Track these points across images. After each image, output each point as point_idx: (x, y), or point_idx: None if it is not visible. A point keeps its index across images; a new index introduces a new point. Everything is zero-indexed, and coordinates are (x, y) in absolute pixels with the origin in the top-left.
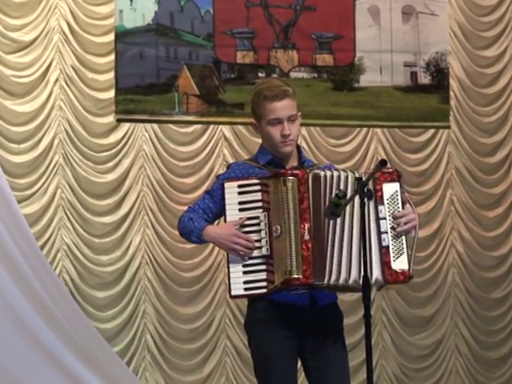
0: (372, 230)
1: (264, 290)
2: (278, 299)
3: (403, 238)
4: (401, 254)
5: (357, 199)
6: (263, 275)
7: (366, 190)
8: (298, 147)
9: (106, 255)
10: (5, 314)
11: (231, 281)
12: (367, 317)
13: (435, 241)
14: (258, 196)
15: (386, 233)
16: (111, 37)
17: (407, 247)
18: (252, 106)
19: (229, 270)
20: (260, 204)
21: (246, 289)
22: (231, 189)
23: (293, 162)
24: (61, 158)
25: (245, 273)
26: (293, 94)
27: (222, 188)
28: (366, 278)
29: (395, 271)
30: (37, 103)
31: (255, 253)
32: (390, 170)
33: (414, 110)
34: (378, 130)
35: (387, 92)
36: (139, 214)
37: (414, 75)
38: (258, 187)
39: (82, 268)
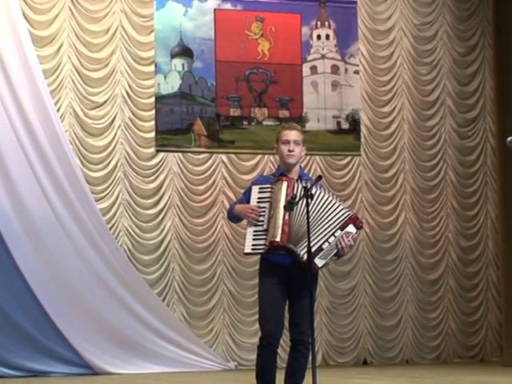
0: (324, 235)
1: (263, 251)
2: (273, 260)
3: (334, 253)
4: (324, 259)
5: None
6: (263, 241)
7: (308, 193)
8: (301, 168)
9: (150, 233)
10: (88, 270)
11: (245, 243)
12: (310, 273)
13: None
14: (269, 194)
15: (329, 243)
16: (153, 99)
17: (331, 261)
18: (276, 136)
19: (245, 237)
20: (268, 200)
21: (252, 249)
22: (255, 189)
23: (295, 176)
24: (122, 174)
25: (253, 239)
26: (300, 130)
27: (250, 189)
28: (310, 251)
29: (312, 260)
30: (107, 140)
31: (259, 228)
32: (361, 222)
33: (339, 145)
34: (317, 157)
35: (322, 134)
36: (170, 209)
37: (338, 123)
38: (269, 189)
39: (135, 241)
